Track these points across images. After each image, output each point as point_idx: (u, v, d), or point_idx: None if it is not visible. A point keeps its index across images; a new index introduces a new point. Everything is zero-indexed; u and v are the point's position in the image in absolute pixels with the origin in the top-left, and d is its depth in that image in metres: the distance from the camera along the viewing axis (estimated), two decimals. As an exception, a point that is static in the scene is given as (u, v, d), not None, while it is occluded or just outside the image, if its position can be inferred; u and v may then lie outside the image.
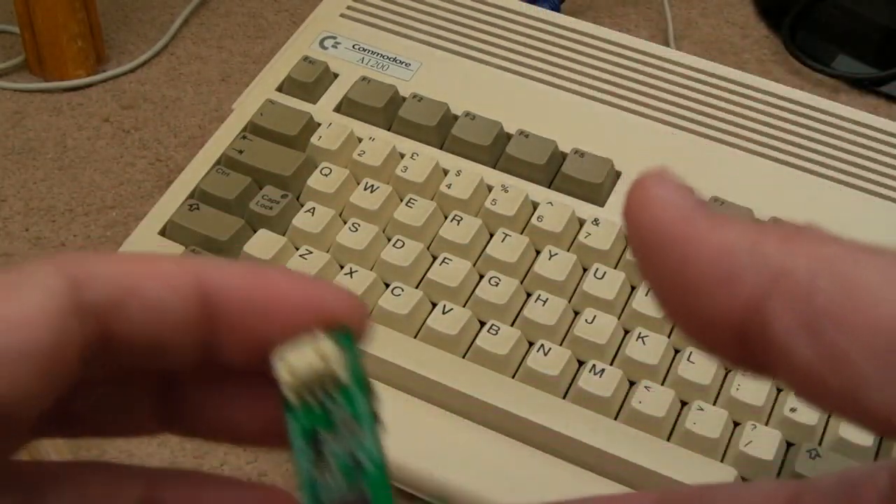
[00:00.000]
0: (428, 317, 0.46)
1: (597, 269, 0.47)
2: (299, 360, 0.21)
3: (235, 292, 0.20)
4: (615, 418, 0.44)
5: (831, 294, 0.16)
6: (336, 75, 0.56)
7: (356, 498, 0.21)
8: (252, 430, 0.22)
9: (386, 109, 0.54)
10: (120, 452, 0.46)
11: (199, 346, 0.21)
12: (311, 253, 0.48)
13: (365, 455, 0.21)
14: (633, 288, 0.48)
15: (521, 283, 0.48)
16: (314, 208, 0.50)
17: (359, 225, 0.49)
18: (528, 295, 0.47)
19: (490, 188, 0.51)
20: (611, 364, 0.45)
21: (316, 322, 0.20)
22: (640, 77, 0.55)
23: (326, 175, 0.51)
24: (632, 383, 0.45)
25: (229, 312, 0.20)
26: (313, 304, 0.20)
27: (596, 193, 0.50)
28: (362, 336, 0.21)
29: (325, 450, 0.21)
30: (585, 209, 0.50)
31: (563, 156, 0.52)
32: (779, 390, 0.44)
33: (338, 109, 0.55)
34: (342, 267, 0.48)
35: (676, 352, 0.46)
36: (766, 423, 0.43)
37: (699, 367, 0.44)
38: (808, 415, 0.43)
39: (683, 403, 0.44)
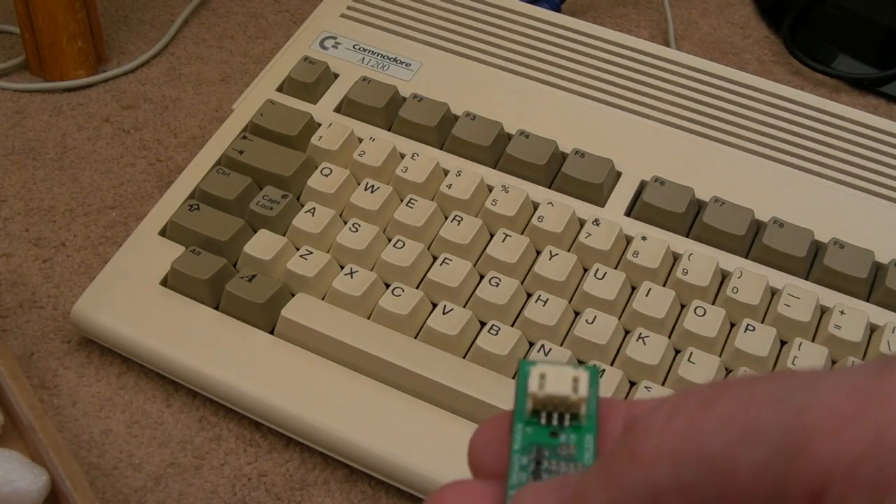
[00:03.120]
0: (428, 317, 0.46)
1: (597, 269, 0.47)
2: (555, 378, 0.21)
3: None
4: (615, 418, 0.44)
5: None
6: (336, 75, 0.56)
7: None
8: None
9: (386, 109, 0.54)
10: (120, 452, 0.46)
11: None
12: (311, 253, 0.48)
13: None
14: (633, 288, 0.48)
15: (522, 283, 0.48)
16: (314, 208, 0.50)
17: (359, 225, 0.49)
18: (529, 295, 0.47)
19: (490, 188, 0.51)
20: (611, 364, 0.45)
21: None
22: (640, 77, 0.55)
23: (327, 175, 0.51)
24: (632, 384, 0.45)
25: None
26: None
27: (596, 193, 0.50)
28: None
29: (542, 471, 0.21)
30: (586, 209, 0.50)
31: (564, 156, 0.52)
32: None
33: (338, 109, 0.55)
34: (342, 267, 0.48)
35: (677, 352, 0.46)
36: None
37: (699, 367, 0.44)
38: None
39: (684, 404, 0.44)
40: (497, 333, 0.45)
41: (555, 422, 0.22)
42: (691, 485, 0.17)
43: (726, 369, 0.45)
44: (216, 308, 0.48)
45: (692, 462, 0.17)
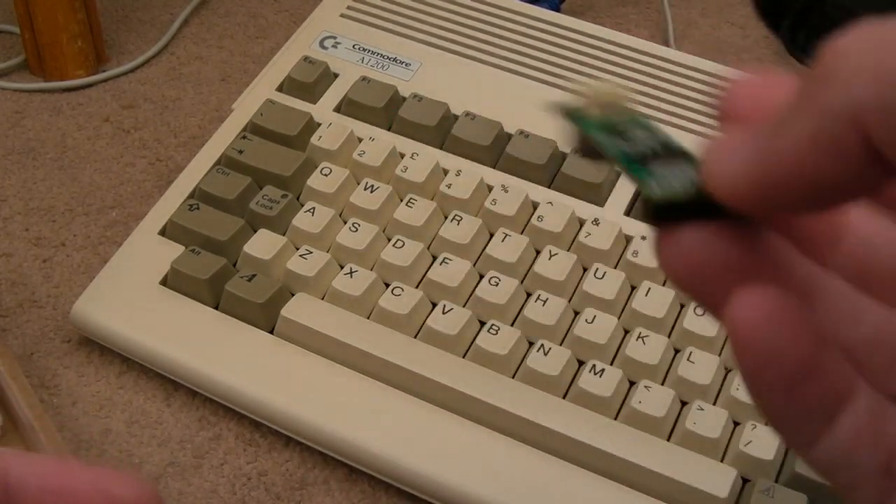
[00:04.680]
0: (428, 317, 0.46)
1: (597, 269, 0.47)
2: (598, 87, 0.22)
3: (33, 482, 0.23)
4: (615, 418, 0.44)
5: None
6: (336, 75, 0.56)
7: (670, 151, 0.22)
8: None
9: (386, 109, 0.54)
10: (120, 452, 0.46)
11: None
12: (311, 253, 0.48)
13: (667, 142, 0.22)
14: (633, 288, 0.48)
15: (521, 283, 0.48)
16: (314, 208, 0.50)
17: (359, 225, 0.49)
18: (528, 295, 0.47)
19: (490, 188, 0.51)
20: (611, 364, 0.45)
21: None
22: (640, 77, 0.55)
23: (326, 175, 0.51)
24: (632, 383, 0.45)
25: (26, 501, 0.23)
26: (101, 493, 0.23)
27: (596, 193, 0.50)
28: None
29: (629, 137, 0.22)
30: (585, 209, 0.50)
31: (564, 156, 0.52)
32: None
33: (338, 109, 0.55)
34: (342, 267, 0.48)
35: (676, 352, 0.46)
36: (767, 423, 0.43)
37: (699, 366, 0.44)
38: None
39: (683, 403, 0.44)
40: (497, 333, 0.45)
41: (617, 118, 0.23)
42: (893, 105, 0.16)
43: (726, 369, 0.45)
44: (216, 308, 0.48)
45: (894, 81, 0.16)
